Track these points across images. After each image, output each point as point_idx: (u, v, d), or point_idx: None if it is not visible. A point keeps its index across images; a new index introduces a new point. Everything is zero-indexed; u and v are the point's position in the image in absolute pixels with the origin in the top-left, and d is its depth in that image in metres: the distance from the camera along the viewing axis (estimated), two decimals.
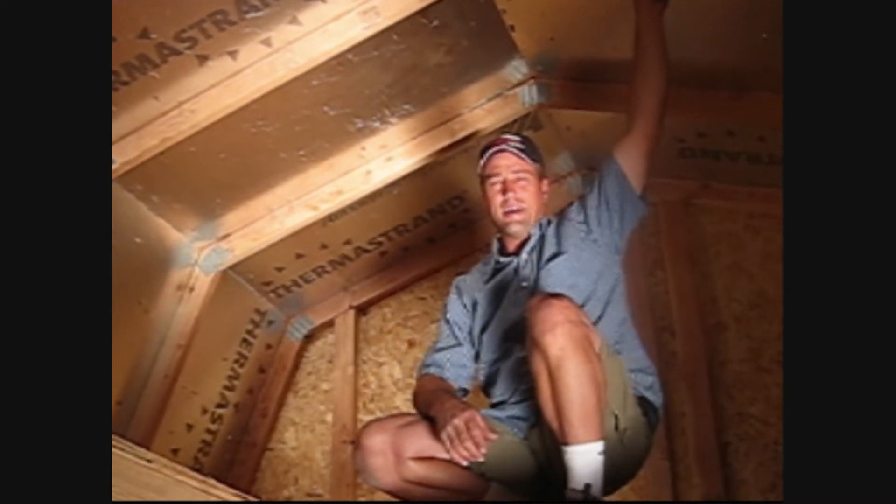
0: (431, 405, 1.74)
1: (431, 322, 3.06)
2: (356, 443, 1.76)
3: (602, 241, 1.91)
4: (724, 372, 2.64)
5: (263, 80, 2.15)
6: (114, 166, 2.16)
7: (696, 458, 2.56)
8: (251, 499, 1.29)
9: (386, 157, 2.65)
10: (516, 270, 1.95)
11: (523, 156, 1.98)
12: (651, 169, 1.91)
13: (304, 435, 3.15)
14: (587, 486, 1.52)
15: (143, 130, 2.18)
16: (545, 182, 2.04)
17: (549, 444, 1.68)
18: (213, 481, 1.21)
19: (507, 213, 1.95)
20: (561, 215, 2.00)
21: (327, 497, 2.99)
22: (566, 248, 1.91)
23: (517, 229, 1.97)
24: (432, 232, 3.07)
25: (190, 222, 2.61)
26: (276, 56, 2.14)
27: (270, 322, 3.11)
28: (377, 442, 1.71)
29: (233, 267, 2.74)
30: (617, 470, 1.66)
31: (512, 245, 2.00)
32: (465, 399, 1.85)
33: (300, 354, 3.25)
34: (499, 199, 1.96)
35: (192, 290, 2.61)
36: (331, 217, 2.78)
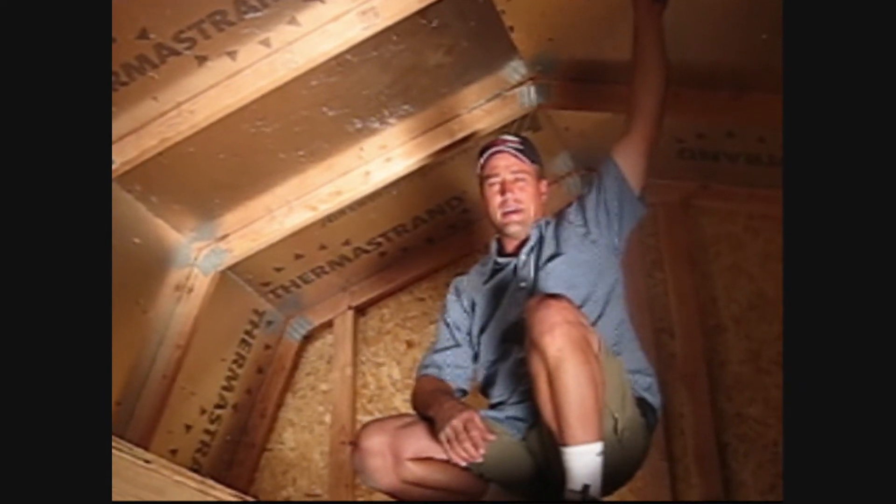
0: (430, 406, 1.74)
1: (430, 323, 3.06)
2: (355, 443, 1.75)
3: (601, 242, 1.90)
4: (724, 373, 2.64)
5: (262, 80, 2.15)
6: (113, 167, 2.16)
7: (695, 459, 2.55)
8: (249, 499, 1.29)
9: (385, 157, 2.64)
10: (515, 271, 1.95)
11: (522, 156, 1.98)
12: (650, 169, 1.91)
13: (303, 435, 3.14)
14: (585, 486, 1.52)
15: (142, 131, 2.17)
16: (544, 183, 2.04)
17: (547, 445, 1.68)
18: (211, 482, 1.21)
19: (505, 214, 1.95)
20: (560, 216, 2.00)
21: (326, 497, 2.98)
22: (565, 248, 1.91)
23: (516, 230, 1.96)
24: (431, 232, 3.06)
25: (189, 223, 2.61)
26: (275, 56, 2.14)
27: (269, 322, 3.10)
28: (376, 443, 1.71)
29: (231, 267, 2.73)
30: (615, 471, 1.65)
31: (510, 246, 2.00)
32: (463, 400, 1.84)
33: (299, 355, 3.24)
34: (497, 199, 1.96)
35: (190, 290, 2.61)
36: (330, 217, 2.78)
